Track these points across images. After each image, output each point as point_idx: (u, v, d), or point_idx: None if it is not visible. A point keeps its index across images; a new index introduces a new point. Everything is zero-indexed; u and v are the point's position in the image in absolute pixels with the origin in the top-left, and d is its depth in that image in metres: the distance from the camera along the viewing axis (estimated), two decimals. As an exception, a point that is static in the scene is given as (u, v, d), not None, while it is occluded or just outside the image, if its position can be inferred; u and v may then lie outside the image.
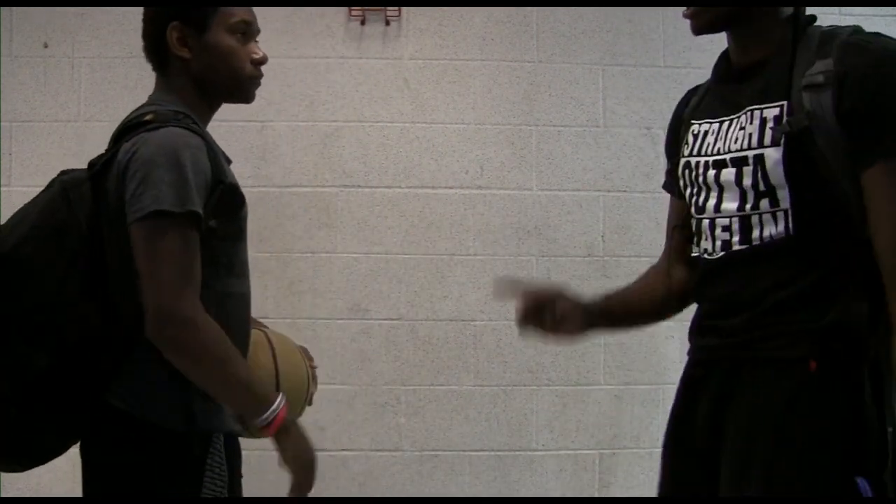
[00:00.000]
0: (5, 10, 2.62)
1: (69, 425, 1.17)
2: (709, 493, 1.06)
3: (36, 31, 2.63)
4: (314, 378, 1.45)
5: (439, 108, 2.67)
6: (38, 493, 2.56)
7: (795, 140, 0.98)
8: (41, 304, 1.11)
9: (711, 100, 1.15)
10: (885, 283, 0.95)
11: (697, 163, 1.11)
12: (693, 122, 1.16)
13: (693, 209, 1.13)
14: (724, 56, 1.15)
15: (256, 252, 2.63)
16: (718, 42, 2.98)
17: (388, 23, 2.67)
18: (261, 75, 1.31)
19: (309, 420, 2.82)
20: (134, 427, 1.13)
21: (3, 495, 2.55)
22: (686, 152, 1.14)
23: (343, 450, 2.61)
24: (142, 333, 1.13)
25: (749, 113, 1.04)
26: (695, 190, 1.12)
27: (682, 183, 1.16)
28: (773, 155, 1.00)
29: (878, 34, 1.02)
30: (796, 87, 0.99)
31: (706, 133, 1.11)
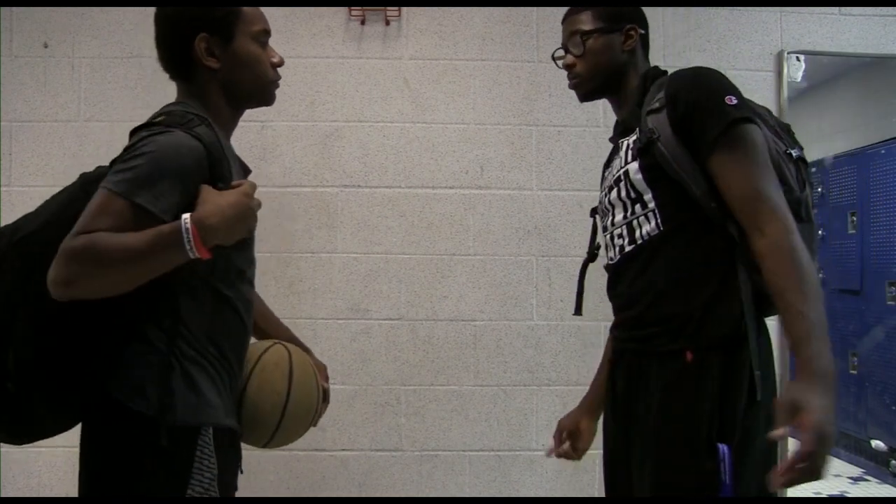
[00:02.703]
0: (5, 10, 2.62)
1: (66, 406, 1.19)
2: (627, 466, 1.31)
3: (36, 31, 2.63)
4: (326, 398, 1.47)
5: (439, 108, 2.67)
6: (38, 493, 2.56)
7: (645, 152, 1.26)
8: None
9: (611, 151, 1.47)
10: (745, 229, 1.18)
11: (602, 196, 1.42)
12: (604, 170, 1.48)
13: (602, 230, 1.42)
14: (617, 120, 1.47)
15: (256, 252, 2.63)
16: (716, 44, 2.96)
17: (388, 23, 2.67)
18: (279, 77, 1.36)
19: (309, 420, 2.76)
20: (124, 416, 1.15)
21: (3, 495, 2.55)
22: (600, 193, 1.47)
23: (343, 450, 2.61)
24: (140, 324, 1.17)
25: (621, 144, 1.37)
26: (603, 216, 1.41)
27: (598, 219, 1.48)
28: (633, 167, 1.29)
29: (697, 66, 1.29)
30: (643, 115, 1.29)
31: (607, 175, 1.44)
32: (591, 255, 1.51)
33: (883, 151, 3.60)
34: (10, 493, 2.56)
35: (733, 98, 1.19)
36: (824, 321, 1.09)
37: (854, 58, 2.87)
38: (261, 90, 1.33)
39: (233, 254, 1.25)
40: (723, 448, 1.16)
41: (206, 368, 1.21)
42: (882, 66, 3.17)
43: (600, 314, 2.72)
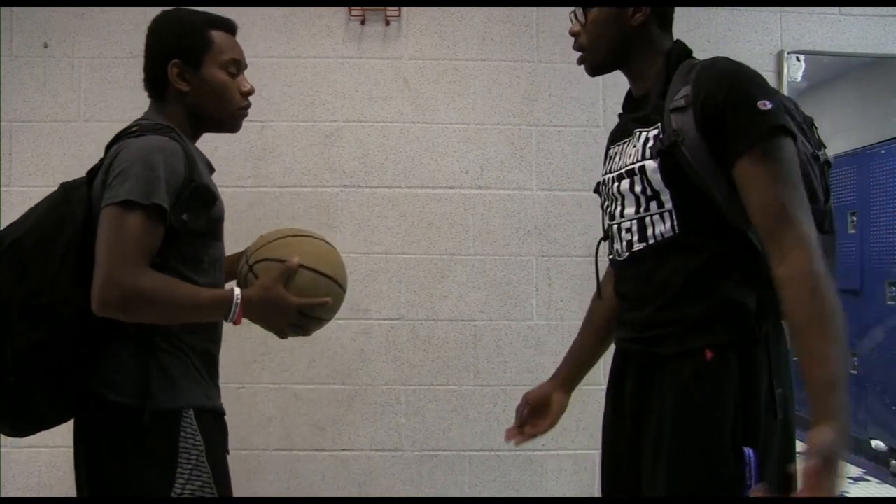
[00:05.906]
0: (5, 10, 2.62)
1: (61, 396, 1.28)
2: (633, 467, 1.25)
3: (36, 31, 2.63)
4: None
5: (439, 108, 2.67)
6: (38, 493, 2.56)
7: (667, 153, 1.18)
8: (40, 287, 1.23)
9: (619, 126, 1.38)
10: (764, 245, 1.11)
11: (608, 178, 1.33)
12: (610, 145, 1.39)
13: (608, 218, 1.34)
14: (629, 90, 1.39)
15: (256, 252, 2.64)
16: (716, 44, 2.96)
17: (388, 23, 2.67)
18: (249, 105, 1.45)
19: (309, 420, 2.82)
20: (106, 408, 1.26)
21: (3, 495, 2.55)
22: (603, 171, 1.38)
23: (343, 450, 2.61)
24: (118, 322, 1.24)
25: (638, 134, 1.27)
26: (608, 201, 1.33)
27: (601, 198, 1.38)
28: (651, 165, 1.20)
29: (725, 59, 1.19)
30: (667, 111, 1.20)
31: (615, 154, 1.34)
32: (606, 234, 1.39)
33: (883, 151, 3.59)
34: (10, 493, 2.56)
35: (767, 102, 1.10)
36: (847, 367, 1.02)
37: (854, 58, 2.87)
38: (225, 115, 1.43)
39: (208, 244, 1.35)
40: (748, 452, 1.12)
41: (179, 357, 1.31)
42: (882, 66, 3.17)
43: (600, 314, 2.74)
